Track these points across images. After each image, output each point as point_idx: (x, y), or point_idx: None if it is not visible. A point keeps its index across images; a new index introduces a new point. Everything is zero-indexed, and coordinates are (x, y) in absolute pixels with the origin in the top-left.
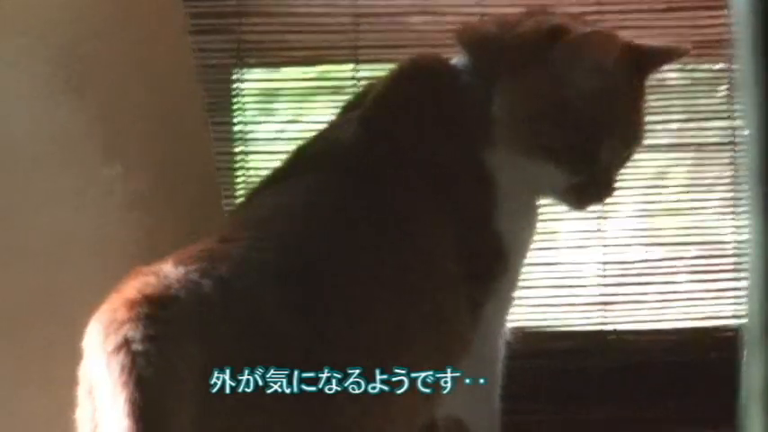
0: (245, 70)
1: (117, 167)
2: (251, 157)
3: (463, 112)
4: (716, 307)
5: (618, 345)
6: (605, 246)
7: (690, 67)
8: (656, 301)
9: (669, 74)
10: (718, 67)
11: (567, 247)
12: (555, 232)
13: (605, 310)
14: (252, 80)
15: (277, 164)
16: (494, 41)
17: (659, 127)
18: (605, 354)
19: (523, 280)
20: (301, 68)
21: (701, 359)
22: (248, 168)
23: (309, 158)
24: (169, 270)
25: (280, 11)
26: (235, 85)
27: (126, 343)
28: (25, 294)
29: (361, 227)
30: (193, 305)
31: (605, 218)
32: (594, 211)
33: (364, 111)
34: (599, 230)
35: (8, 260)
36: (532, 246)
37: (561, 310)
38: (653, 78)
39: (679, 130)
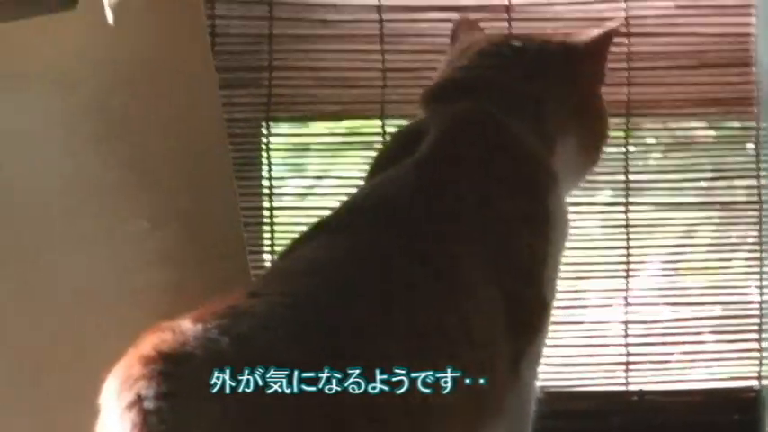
0: (273, 124)
1: (144, 219)
2: (278, 212)
3: (526, 163)
4: (740, 367)
5: (641, 405)
6: (629, 305)
7: (718, 124)
8: (680, 360)
9: (697, 131)
10: (746, 124)
11: (592, 306)
12: (580, 291)
13: (629, 370)
14: (280, 134)
15: (305, 219)
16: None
17: (687, 185)
18: (628, 414)
19: (548, 339)
20: (329, 123)
21: (724, 420)
22: (275, 224)
23: (356, 212)
24: (187, 327)
25: (308, 65)
26: (263, 140)
27: (139, 400)
28: (49, 345)
29: (404, 284)
30: (209, 362)
31: (630, 276)
32: (619, 270)
33: (419, 162)
34: (623, 289)
35: (33, 311)
36: (557, 304)
37: (584, 370)
38: (682, 136)
39: (707, 188)
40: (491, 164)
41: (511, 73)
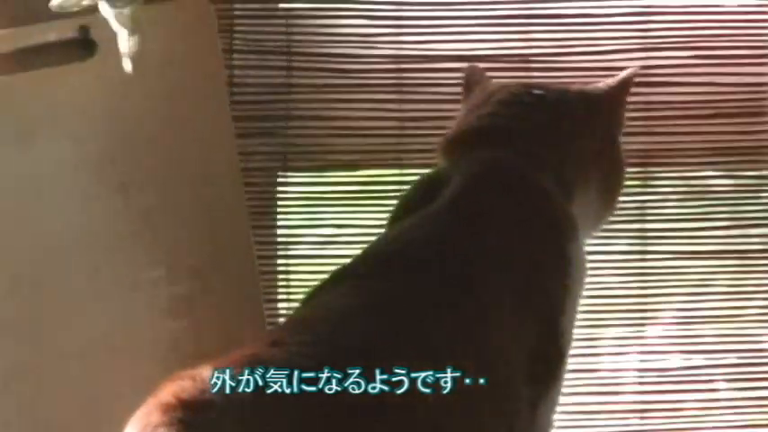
0: (289, 174)
1: (160, 270)
2: (294, 261)
3: (547, 212)
4: (756, 415)
5: None
6: (644, 353)
7: (734, 173)
8: (695, 408)
9: (713, 180)
10: (762, 173)
11: (606, 354)
12: (594, 338)
13: (644, 418)
14: (296, 184)
15: (320, 268)
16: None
17: (703, 233)
18: None
19: (563, 386)
20: (346, 173)
21: None
22: (291, 273)
23: (379, 260)
24: (207, 375)
25: (325, 114)
26: (279, 189)
27: None
28: (66, 395)
29: (431, 333)
30: (228, 411)
31: (645, 324)
32: (635, 318)
33: (442, 210)
34: (639, 337)
35: (50, 360)
36: (572, 352)
37: (599, 418)
38: (698, 185)
39: (722, 237)
40: (512, 213)
41: (532, 122)
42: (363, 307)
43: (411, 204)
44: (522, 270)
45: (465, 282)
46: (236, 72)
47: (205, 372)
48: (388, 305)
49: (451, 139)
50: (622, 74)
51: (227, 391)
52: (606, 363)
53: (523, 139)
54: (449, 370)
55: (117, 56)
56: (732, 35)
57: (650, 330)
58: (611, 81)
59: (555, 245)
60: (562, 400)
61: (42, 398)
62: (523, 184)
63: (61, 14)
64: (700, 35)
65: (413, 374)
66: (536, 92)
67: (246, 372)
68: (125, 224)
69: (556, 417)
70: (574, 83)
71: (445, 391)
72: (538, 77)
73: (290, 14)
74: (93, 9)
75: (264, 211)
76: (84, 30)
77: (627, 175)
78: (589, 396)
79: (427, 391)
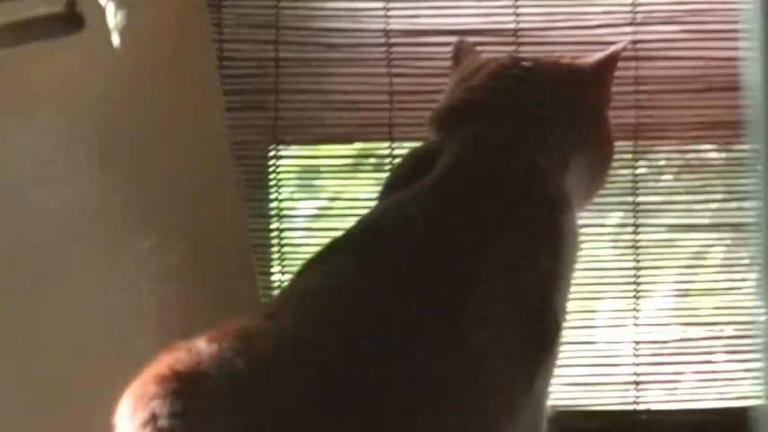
0: (281, 147)
1: (151, 242)
2: (287, 233)
3: (539, 184)
4: (751, 387)
5: (650, 424)
6: (639, 325)
7: (727, 147)
8: (690, 380)
9: (709, 153)
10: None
11: (602, 326)
12: (590, 311)
13: (638, 390)
14: (288, 157)
15: (313, 240)
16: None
17: (698, 207)
18: None
19: (558, 358)
20: (337, 146)
21: None
22: (284, 245)
23: (371, 233)
24: (202, 346)
25: (316, 88)
26: (271, 162)
27: (153, 418)
28: (59, 367)
29: (421, 307)
30: (223, 383)
31: (639, 297)
32: (629, 291)
33: (434, 183)
34: (633, 310)
35: (43, 332)
36: (567, 324)
37: (594, 389)
38: (694, 158)
39: (718, 210)
40: (505, 185)
41: (522, 95)
42: (357, 279)
43: (403, 177)
44: (515, 243)
45: (457, 255)
46: (226, 46)
47: (200, 344)
48: (380, 277)
49: (442, 112)
50: (611, 48)
51: (222, 363)
52: (601, 335)
53: (514, 113)
54: (438, 343)
55: (105, 30)
56: (721, 9)
57: (645, 303)
58: (599, 55)
59: (547, 218)
60: (558, 372)
61: (35, 370)
62: (515, 157)
63: None
64: (689, 9)
65: (404, 347)
66: (526, 65)
67: (241, 344)
68: (116, 198)
69: (552, 389)
70: (562, 57)
71: (438, 364)
72: (526, 52)
73: None
74: None
75: (256, 184)
76: (71, 4)
77: (618, 149)
78: (585, 368)
79: (420, 362)
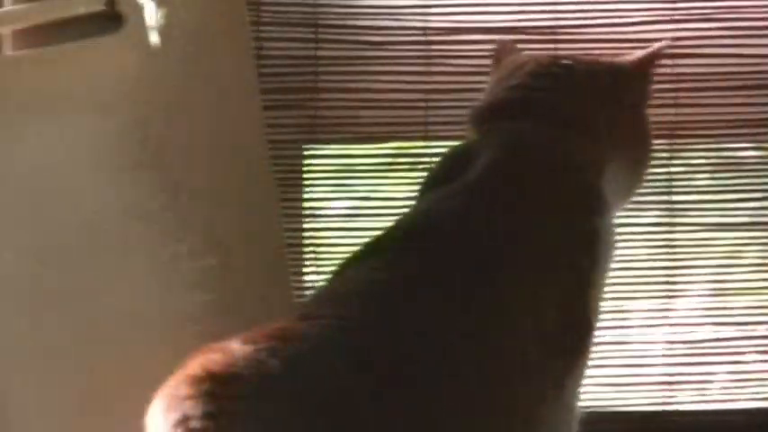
0: (316, 146)
1: (188, 243)
2: (321, 233)
3: (578, 183)
4: None
5: (683, 425)
6: (672, 325)
7: (764, 145)
8: (723, 381)
9: (745, 152)
10: None
11: (634, 326)
12: (622, 311)
13: (671, 390)
14: (323, 156)
15: (347, 240)
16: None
17: (734, 205)
18: None
19: (590, 359)
20: (373, 145)
21: None
22: (318, 245)
23: (409, 234)
24: (236, 348)
25: (352, 87)
26: (306, 161)
27: (185, 420)
28: (93, 370)
29: (460, 308)
30: (257, 384)
31: (673, 297)
32: (663, 290)
33: (474, 182)
34: (666, 309)
35: (76, 336)
36: (599, 324)
37: (626, 390)
38: (727, 157)
39: (753, 209)
40: (544, 185)
41: (562, 94)
42: (394, 281)
43: (441, 177)
44: (552, 245)
45: (495, 256)
46: (264, 44)
47: (234, 345)
48: (418, 280)
49: (481, 110)
50: (651, 47)
51: (256, 364)
52: (634, 335)
53: (553, 112)
54: (475, 343)
55: (144, 28)
56: (760, 6)
57: (679, 303)
58: (639, 53)
59: (584, 219)
60: (589, 372)
61: (71, 371)
62: (553, 157)
63: None
64: (728, 6)
65: (443, 346)
66: (566, 63)
67: (276, 345)
68: (152, 197)
69: (583, 389)
70: (601, 55)
71: (472, 362)
72: (565, 49)
73: None
74: None
75: (291, 183)
76: (111, 2)
77: (654, 148)
78: (617, 368)
79: (456, 360)
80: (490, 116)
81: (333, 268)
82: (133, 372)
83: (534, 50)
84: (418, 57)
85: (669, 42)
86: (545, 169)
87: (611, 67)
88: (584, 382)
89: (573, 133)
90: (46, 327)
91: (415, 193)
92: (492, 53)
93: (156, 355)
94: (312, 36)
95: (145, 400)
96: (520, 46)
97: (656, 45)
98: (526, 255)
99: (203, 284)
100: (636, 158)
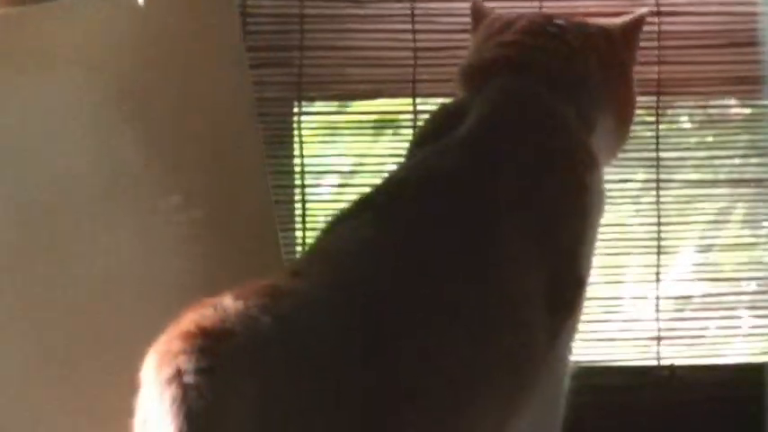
0: (305, 103)
1: (174, 200)
2: (310, 190)
3: (570, 140)
4: None
5: (672, 380)
6: (661, 281)
7: (750, 102)
8: (713, 336)
9: (731, 109)
10: None
11: (625, 282)
12: (612, 267)
13: (660, 345)
14: (312, 113)
15: (336, 197)
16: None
17: (720, 162)
18: (659, 389)
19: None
20: (361, 102)
21: (757, 395)
22: (307, 201)
23: (400, 190)
24: (229, 304)
25: (340, 44)
26: (295, 118)
27: (178, 374)
28: (83, 324)
29: (451, 264)
30: (249, 340)
31: (662, 253)
32: (653, 247)
33: (465, 138)
34: (655, 265)
35: (67, 290)
36: (590, 280)
37: (616, 345)
38: (714, 114)
39: (740, 165)
40: (535, 142)
41: (554, 52)
42: (385, 238)
43: (431, 133)
44: (542, 200)
45: (485, 212)
46: (249, 2)
47: (226, 301)
48: (408, 237)
49: (472, 68)
50: (637, 12)
51: (248, 320)
52: (624, 291)
53: (546, 69)
54: (467, 298)
55: None
56: None
57: (668, 259)
58: (626, 17)
59: (575, 176)
60: (580, 327)
61: (58, 325)
62: (544, 114)
63: None
64: None
65: (433, 300)
66: (558, 22)
67: (268, 302)
68: (139, 153)
69: (574, 345)
70: (587, 15)
71: (464, 315)
72: (551, 8)
73: None
74: None
75: (280, 140)
76: None
77: (640, 105)
78: (607, 324)
79: (446, 318)
80: (481, 73)
81: (322, 225)
82: (121, 327)
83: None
84: (405, 15)
85: (653, 9)
86: (537, 126)
87: (601, 30)
88: (577, 336)
89: (564, 92)
90: (31, 284)
91: (405, 150)
92: (470, 14)
93: (145, 311)
94: None
95: (135, 356)
96: (505, 5)
97: (641, 11)
98: (517, 211)
99: (190, 240)
100: (622, 118)
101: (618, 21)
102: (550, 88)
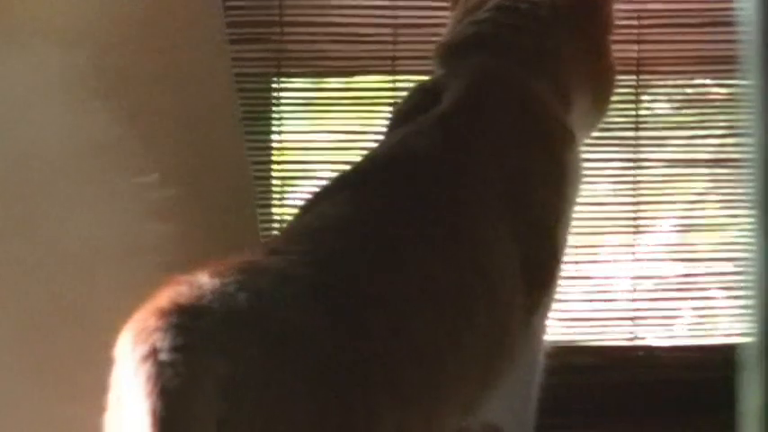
0: (284, 79)
1: (150, 175)
2: (288, 166)
3: (546, 117)
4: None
5: (647, 360)
6: (637, 260)
7: (729, 81)
8: (689, 316)
9: (710, 89)
10: None
11: (600, 262)
12: (588, 246)
13: (635, 325)
14: (291, 89)
15: (313, 174)
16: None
17: (699, 142)
18: (634, 369)
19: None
20: (340, 79)
21: (733, 376)
22: (285, 178)
23: (377, 168)
24: (205, 281)
25: (319, 21)
26: (273, 94)
27: (153, 352)
28: (56, 301)
29: (426, 241)
30: (225, 317)
31: (639, 232)
32: (630, 226)
33: (440, 117)
34: (632, 245)
35: (39, 267)
36: (565, 259)
37: (591, 325)
38: (693, 93)
39: (718, 145)
40: (511, 120)
41: (529, 29)
42: (363, 216)
43: (409, 111)
44: (517, 177)
45: (461, 190)
46: None
47: (202, 278)
48: (386, 215)
49: (448, 45)
50: None
51: (225, 297)
52: (599, 271)
53: (521, 47)
54: (444, 276)
55: None
56: None
57: (645, 239)
58: None
59: (551, 153)
60: (555, 306)
61: (30, 302)
62: (521, 92)
63: None
64: None
65: (409, 282)
66: None
67: (244, 279)
68: (114, 129)
69: (549, 323)
70: None
71: (439, 291)
72: None
73: None
74: None
75: (258, 116)
76: None
77: (619, 84)
78: (582, 303)
79: (422, 298)
80: (457, 51)
81: (300, 202)
82: (96, 305)
83: None
84: None
85: None
86: (512, 103)
87: (573, 1)
88: (552, 315)
89: (540, 67)
90: (5, 257)
91: (383, 128)
92: None
93: (120, 288)
94: None
95: (110, 333)
96: None
97: None
98: (492, 188)
99: (166, 215)
100: (600, 92)
101: None
102: (524, 65)
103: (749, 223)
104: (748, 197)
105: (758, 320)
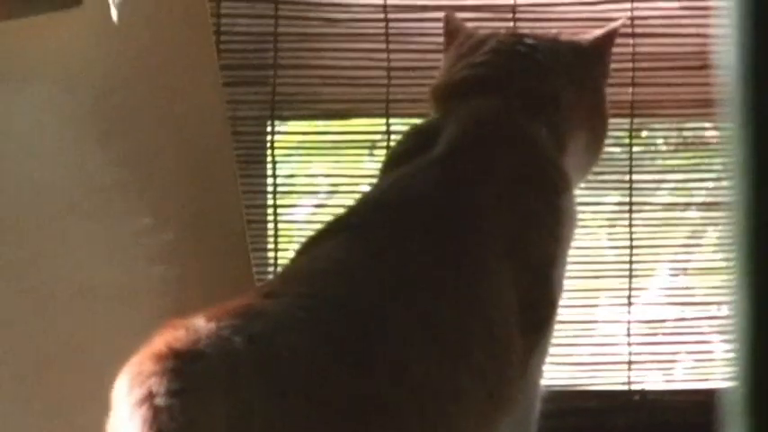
0: (278, 122)
1: (145, 218)
2: (283, 210)
3: (541, 161)
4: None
5: (643, 404)
6: (633, 305)
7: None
8: (685, 360)
9: (705, 132)
10: None
11: (596, 306)
12: (584, 290)
13: (631, 369)
14: (285, 132)
15: (309, 217)
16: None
17: (693, 185)
18: (630, 413)
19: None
20: (335, 122)
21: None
22: (280, 222)
23: (374, 210)
24: (200, 325)
25: (314, 63)
26: (268, 137)
27: (150, 396)
28: (52, 344)
29: (426, 285)
30: (221, 361)
31: (634, 276)
32: (625, 270)
33: (438, 159)
34: (627, 289)
35: (34, 309)
36: (562, 303)
37: (587, 370)
38: (688, 136)
39: (713, 188)
40: (506, 164)
41: (525, 72)
42: (359, 259)
43: (404, 154)
44: (514, 221)
45: (459, 232)
46: (224, 21)
47: (198, 322)
48: (383, 257)
49: (444, 87)
50: (610, 25)
51: (221, 341)
52: (595, 315)
53: (517, 89)
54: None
55: (104, 4)
56: None
57: (640, 282)
58: (598, 32)
59: (547, 196)
60: (551, 351)
61: (27, 342)
62: (517, 135)
63: None
64: None
65: (406, 325)
66: (528, 41)
67: (240, 322)
68: (112, 172)
69: (546, 367)
70: (561, 33)
71: (438, 334)
72: (525, 28)
73: None
74: None
75: (253, 159)
76: None
77: (614, 127)
78: (578, 348)
79: (420, 341)
80: (453, 93)
81: (296, 246)
82: (93, 347)
83: (493, 28)
84: (378, 34)
85: (626, 20)
86: (508, 146)
87: (571, 45)
88: (548, 360)
89: (536, 110)
90: (2, 298)
91: (378, 171)
92: (443, 29)
93: (116, 330)
94: (272, 12)
95: (106, 375)
96: (479, 24)
97: (614, 23)
98: (490, 232)
99: (162, 259)
100: (594, 137)
101: (590, 35)
102: (521, 108)
103: (729, 268)
104: (728, 241)
105: (741, 366)
